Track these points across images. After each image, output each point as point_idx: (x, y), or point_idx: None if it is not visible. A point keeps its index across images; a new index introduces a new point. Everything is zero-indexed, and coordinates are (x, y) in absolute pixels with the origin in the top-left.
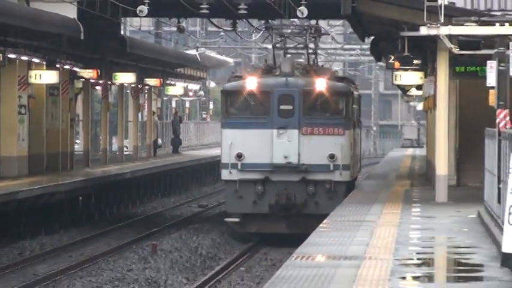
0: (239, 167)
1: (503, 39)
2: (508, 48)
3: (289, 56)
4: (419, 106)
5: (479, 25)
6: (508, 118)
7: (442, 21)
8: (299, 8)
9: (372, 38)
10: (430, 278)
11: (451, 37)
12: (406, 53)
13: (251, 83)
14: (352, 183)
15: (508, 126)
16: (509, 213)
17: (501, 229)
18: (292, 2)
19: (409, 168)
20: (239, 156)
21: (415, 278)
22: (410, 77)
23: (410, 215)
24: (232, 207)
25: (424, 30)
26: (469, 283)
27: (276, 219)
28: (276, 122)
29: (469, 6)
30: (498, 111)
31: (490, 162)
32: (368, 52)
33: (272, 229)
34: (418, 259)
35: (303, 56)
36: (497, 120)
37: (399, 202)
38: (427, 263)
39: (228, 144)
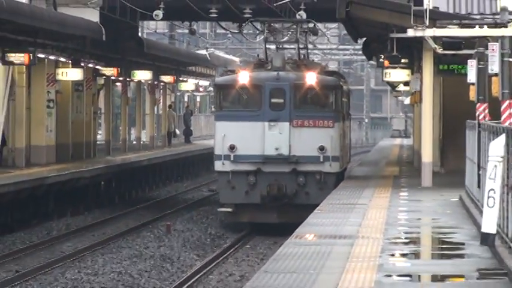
0: (232, 159)
1: (482, 40)
2: (487, 48)
3: (281, 51)
4: (407, 100)
5: (460, 27)
6: (486, 111)
7: (427, 24)
8: (299, 13)
9: (364, 39)
10: (416, 255)
11: (435, 38)
12: (394, 53)
13: (243, 77)
14: (341, 174)
15: (486, 118)
16: (488, 197)
17: (481, 211)
18: (293, 7)
19: (397, 156)
20: (232, 148)
21: (403, 255)
22: (398, 74)
23: (399, 198)
24: (225, 198)
25: (411, 32)
26: (451, 260)
27: (267, 209)
28: (267, 115)
29: (451, 11)
30: (478, 105)
31: (470, 151)
32: (360, 52)
33: (264, 219)
34: (406, 238)
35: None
36: (477, 113)
37: (389, 187)
38: (414, 241)
39: (221, 136)
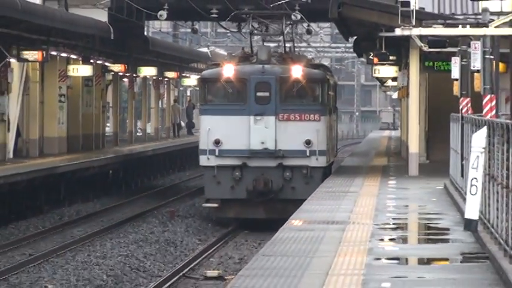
0: (217, 153)
1: (465, 38)
2: (469, 47)
3: (267, 44)
4: (395, 95)
5: (445, 27)
6: (469, 105)
7: (414, 23)
8: (293, 13)
9: (355, 37)
10: (404, 239)
11: (421, 37)
12: (383, 51)
13: (228, 70)
14: (328, 168)
15: (469, 112)
16: (471, 185)
17: (464, 199)
18: (288, 7)
19: (386, 147)
20: (217, 142)
21: (391, 239)
22: (387, 71)
23: (387, 186)
24: (211, 193)
25: (398, 31)
26: (437, 244)
27: (253, 205)
28: (253, 109)
29: (436, 11)
30: (461, 99)
31: (454, 142)
32: (351, 50)
33: (250, 214)
34: (394, 224)
35: (280, 44)
36: (461, 107)
37: (378, 176)
38: (402, 227)
39: (206, 130)
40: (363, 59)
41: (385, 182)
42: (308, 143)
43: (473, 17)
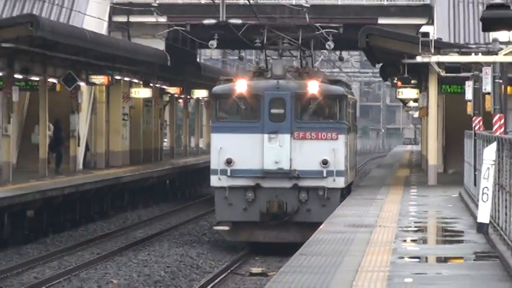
0: (229, 173)
1: (477, 65)
2: (481, 72)
3: (282, 58)
4: (416, 114)
5: (459, 55)
6: (481, 123)
7: (433, 52)
8: (327, 43)
9: (381, 64)
10: (424, 240)
11: (439, 63)
12: (406, 75)
13: (241, 86)
14: (347, 189)
15: (481, 129)
16: (483, 193)
17: (476, 205)
18: (323, 38)
19: (408, 160)
20: (229, 162)
21: (413, 240)
22: (409, 93)
23: (409, 194)
24: (222, 215)
25: (419, 59)
26: (453, 244)
27: (267, 228)
28: (266, 127)
29: (452, 41)
30: (474, 118)
31: (468, 155)
32: (378, 74)
33: (263, 238)
34: (415, 227)
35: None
36: (473, 125)
37: (401, 185)
38: (422, 229)
39: (217, 149)
40: (387, 83)
41: (408, 191)
42: (325, 163)
43: (484, 46)
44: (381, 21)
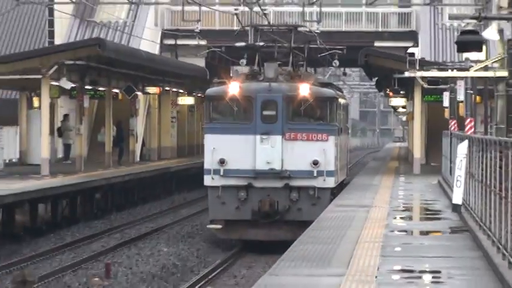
0: (221, 173)
1: (453, 79)
2: (456, 84)
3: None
4: (404, 118)
5: (439, 71)
6: (455, 125)
7: (417, 68)
8: (334, 61)
9: (376, 78)
10: (410, 217)
11: (422, 78)
12: (396, 87)
13: (234, 88)
14: (338, 187)
15: (456, 130)
16: (457, 180)
17: (452, 190)
18: (330, 57)
19: (397, 154)
20: (222, 162)
21: (401, 218)
22: (398, 101)
23: (399, 181)
24: (215, 214)
25: (407, 74)
26: (432, 221)
27: (259, 226)
28: (259, 128)
29: (433, 59)
30: (450, 121)
31: (445, 150)
32: (374, 86)
33: (255, 236)
34: (403, 207)
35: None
36: (450, 126)
37: (392, 174)
38: (408, 209)
39: (210, 149)
40: (381, 93)
41: (397, 178)
42: (315, 163)
43: (458, 63)
44: (377, 44)
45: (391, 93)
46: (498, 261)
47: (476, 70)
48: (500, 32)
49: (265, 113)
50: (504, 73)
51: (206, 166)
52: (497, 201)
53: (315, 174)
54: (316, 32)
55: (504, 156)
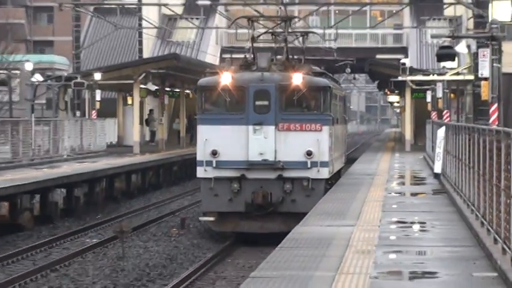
0: (214, 165)
1: (434, 81)
2: (436, 85)
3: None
4: (398, 110)
5: (423, 76)
6: (436, 116)
7: (407, 74)
8: (346, 69)
9: (378, 81)
10: (403, 183)
11: (411, 81)
12: (392, 88)
13: (226, 78)
14: (334, 177)
15: (436, 119)
16: (437, 156)
17: (433, 162)
18: (344, 66)
19: (393, 137)
20: (214, 153)
21: (397, 183)
22: (394, 98)
23: (394, 156)
24: (208, 206)
25: (400, 78)
26: (419, 185)
27: (252, 218)
28: (251, 118)
29: (419, 67)
30: (432, 112)
31: (428, 134)
32: (376, 87)
33: (248, 228)
34: (398, 175)
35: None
36: (431, 116)
37: (389, 151)
38: (402, 176)
39: (202, 140)
40: (381, 92)
41: (393, 154)
42: (309, 154)
43: (437, 70)
44: (378, 56)
45: (388, 92)
46: (468, 214)
47: (451, 75)
48: (468, 46)
49: (258, 103)
50: (471, 77)
51: (199, 158)
52: (466, 171)
53: (309, 165)
54: (333, 48)
55: (471, 138)
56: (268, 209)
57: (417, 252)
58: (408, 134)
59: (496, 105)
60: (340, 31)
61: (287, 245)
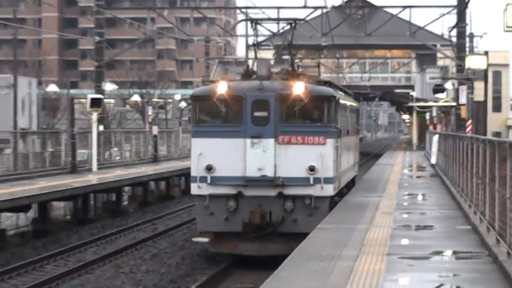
0: (209, 181)
1: (430, 106)
2: (432, 109)
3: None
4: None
5: (424, 103)
6: (432, 128)
7: (414, 101)
8: (376, 98)
9: (396, 106)
10: (411, 169)
11: (417, 106)
12: (404, 110)
13: (222, 87)
14: (337, 196)
15: (432, 130)
16: (432, 153)
17: (430, 157)
18: (374, 97)
19: (405, 141)
20: (209, 168)
21: (408, 170)
22: (405, 116)
23: (406, 153)
24: (203, 225)
25: (409, 104)
26: (421, 171)
27: (250, 239)
28: (249, 131)
29: (421, 97)
30: (429, 126)
31: (428, 139)
32: (395, 109)
33: (246, 250)
34: (408, 164)
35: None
36: (429, 129)
37: (403, 150)
38: (411, 165)
39: (196, 155)
40: (398, 113)
41: (405, 152)
42: (312, 169)
43: (433, 99)
44: (396, 90)
45: (402, 113)
46: (452, 190)
47: (441, 102)
48: (453, 84)
49: (256, 114)
50: (454, 103)
51: (192, 173)
52: (451, 163)
53: (312, 182)
54: (367, 85)
55: (454, 142)
56: (267, 230)
57: (420, 213)
58: (415, 139)
59: (470, 121)
60: (372, 75)
61: (340, 207)
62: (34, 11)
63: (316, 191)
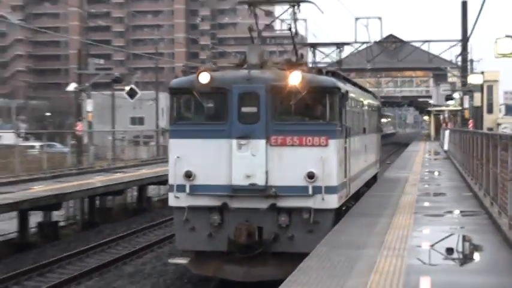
0: (187, 190)
1: (443, 110)
2: (444, 112)
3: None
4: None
5: (439, 108)
6: (445, 125)
7: (432, 107)
8: (405, 106)
9: (419, 110)
10: (430, 154)
11: (434, 110)
12: (425, 113)
13: (203, 78)
14: (344, 207)
15: (444, 126)
16: (445, 142)
17: (443, 145)
18: (404, 104)
19: (426, 135)
20: (188, 175)
21: (427, 154)
22: (426, 117)
23: (426, 143)
24: (182, 243)
25: (429, 109)
26: (437, 155)
27: (237, 260)
28: (235, 130)
29: (437, 104)
30: (443, 124)
31: (442, 133)
32: (418, 112)
33: (231, 274)
34: (428, 151)
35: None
36: (443, 126)
37: (424, 141)
38: (429, 152)
39: (174, 159)
40: (421, 115)
41: (426, 143)
42: (311, 176)
43: (445, 105)
44: (419, 99)
45: (423, 115)
46: (459, 167)
47: (451, 107)
48: (459, 94)
49: (244, 109)
50: (459, 108)
51: (170, 181)
52: (459, 149)
53: (311, 192)
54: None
55: (460, 135)
56: (257, 249)
57: (436, 184)
58: (432, 133)
59: (471, 120)
60: (402, 89)
61: (381, 180)
62: (169, 47)
63: (316, 202)
